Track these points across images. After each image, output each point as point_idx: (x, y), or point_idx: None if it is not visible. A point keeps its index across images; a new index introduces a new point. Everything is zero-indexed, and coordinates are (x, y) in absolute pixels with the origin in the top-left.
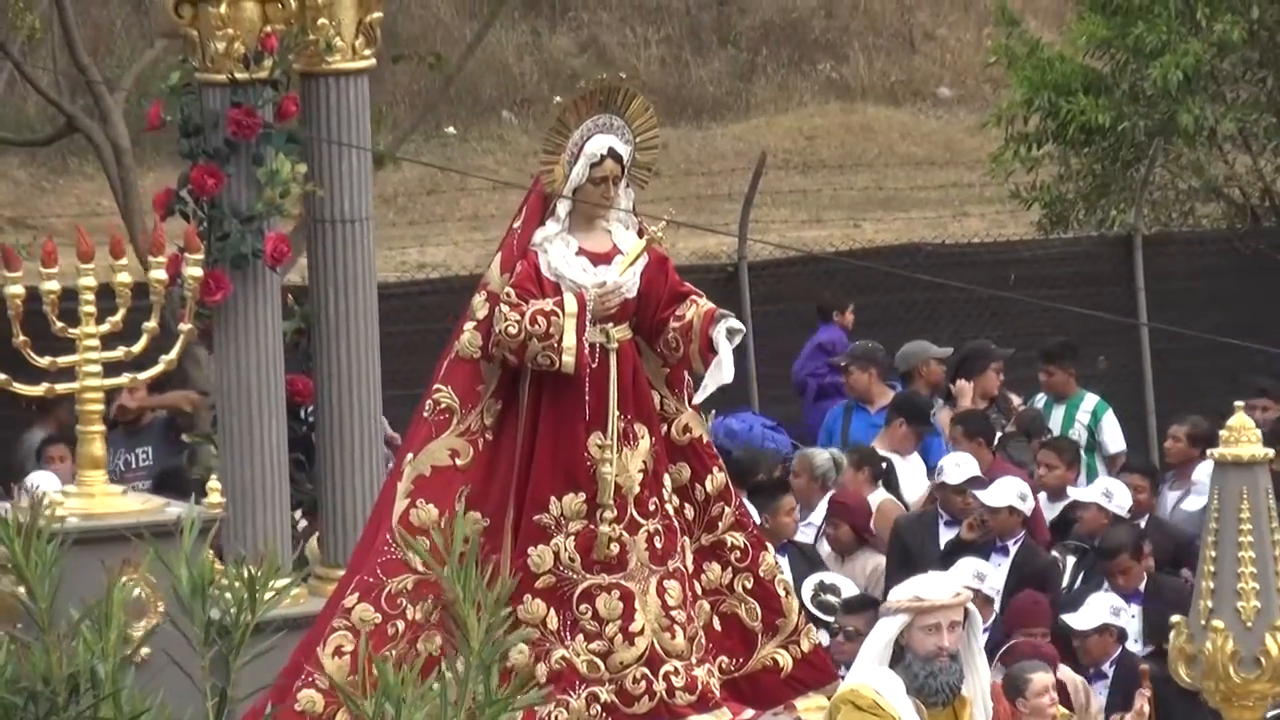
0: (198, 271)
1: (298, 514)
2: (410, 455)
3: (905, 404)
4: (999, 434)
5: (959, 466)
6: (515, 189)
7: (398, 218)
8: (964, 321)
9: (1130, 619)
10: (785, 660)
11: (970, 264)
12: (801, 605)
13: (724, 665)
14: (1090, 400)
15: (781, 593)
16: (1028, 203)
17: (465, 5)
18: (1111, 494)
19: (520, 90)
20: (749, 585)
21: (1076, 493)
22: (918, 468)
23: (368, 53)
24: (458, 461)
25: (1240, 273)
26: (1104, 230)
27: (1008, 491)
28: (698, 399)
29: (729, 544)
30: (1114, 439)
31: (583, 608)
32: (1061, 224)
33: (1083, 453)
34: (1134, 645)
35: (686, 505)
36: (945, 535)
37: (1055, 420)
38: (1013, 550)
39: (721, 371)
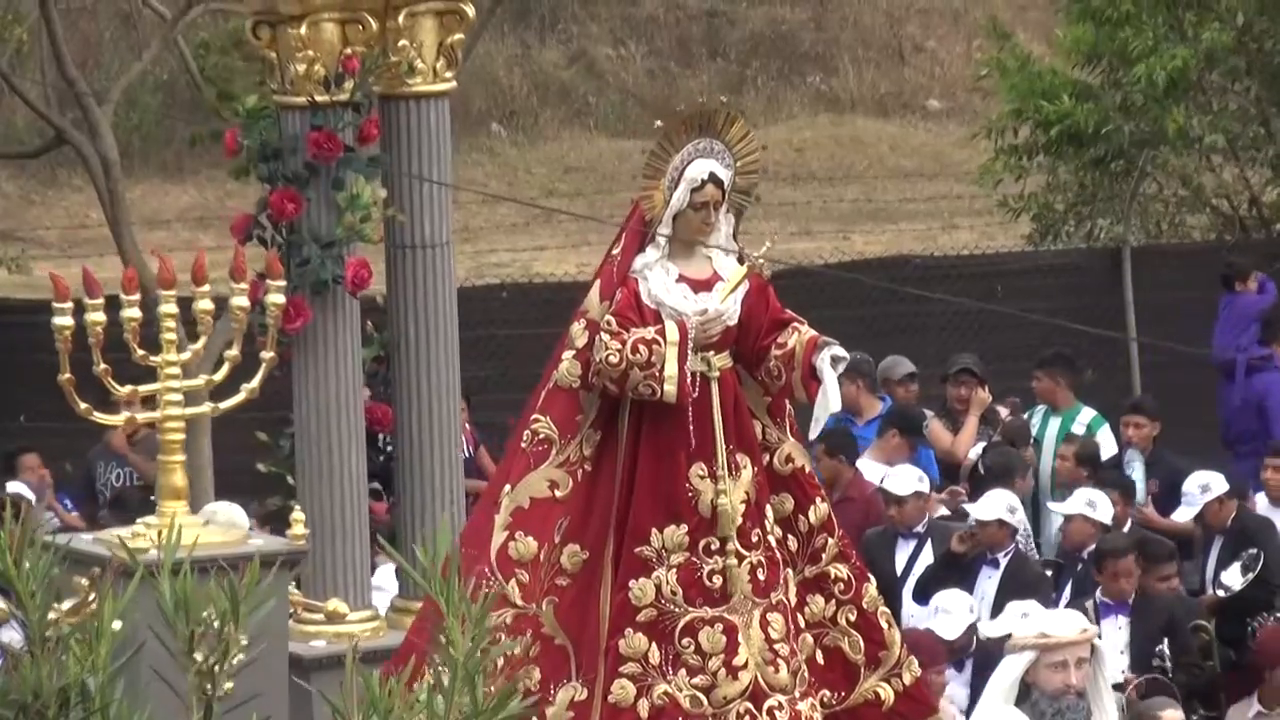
0: (280, 298)
1: None
2: (508, 487)
3: (899, 416)
4: (984, 444)
5: (890, 478)
6: (505, 201)
7: None
8: (951, 334)
9: (1118, 630)
10: (887, 694)
11: (959, 276)
12: (903, 638)
13: (826, 699)
14: (1086, 414)
15: (884, 625)
16: (1016, 213)
17: None
18: (1095, 504)
19: (509, 103)
20: (852, 618)
21: (1058, 506)
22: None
23: (449, 75)
24: (557, 493)
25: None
26: (1093, 242)
27: (997, 504)
28: (813, 433)
29: (832, 576)
30: (1108, 454)
31: (685, 641)
32: (1051, 236)
33: None
34: (1120, 658)
35: (789, 536)
36: (900, 549)
37: (1050, 432)
38: (1003, 562)
39: (828, 400)
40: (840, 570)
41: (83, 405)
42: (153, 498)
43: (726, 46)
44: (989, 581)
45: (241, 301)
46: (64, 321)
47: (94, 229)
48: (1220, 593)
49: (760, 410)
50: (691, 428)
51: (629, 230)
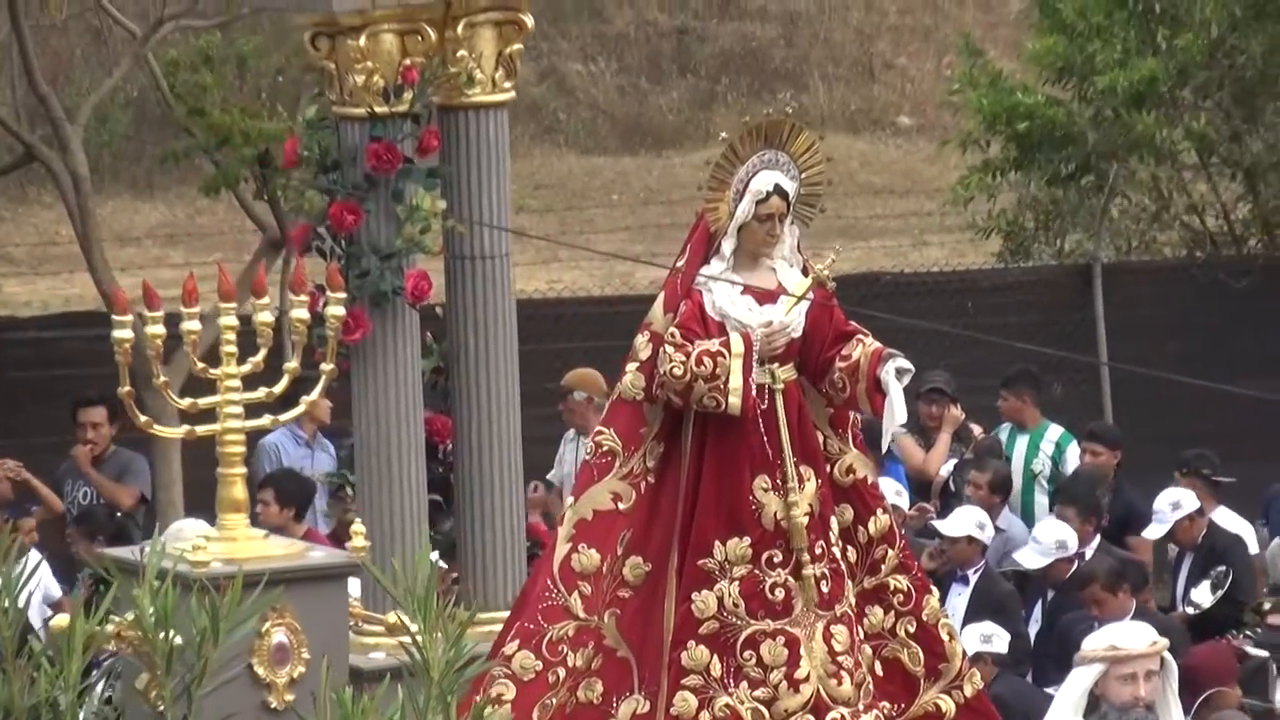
0: (340, 310)
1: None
2: (571, 499)
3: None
4: (956, 461)
5: None
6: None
7: None
8: (923, 350)
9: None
10: (948, 706)
11: (929, 293)
12: (964, 650)
13: (886, 711)
14: (1055, 431)
15: (945, 637)
16: (986, 233)
17: None
18: (1065, 542)
19: None
20: (912, 629)
21: (1032, 562)
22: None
23: (507, 85)
24: (620, 505)
25: (1199, 301)
26: (1064, 259)
27: (966, 521)
28: (884, 445)
29: (892, 587)
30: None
31: (747, 654)
32: (1022, 253)
33: (1046, 483)
34: None
35: (849, 548)
36: None
37: (1019, 450)
38: (973, 579)
39: (895, 413)
40: (900, 582)
41: (143, 418)
42: (119, 514)
43: (697, 63)
44: (959, 599)
45: (301, 314)
46: (124, 334)
47: (64, 245)
48: (1190, 610)
49: (822, 421)
50: (757, 440)
51: (694, 241)
